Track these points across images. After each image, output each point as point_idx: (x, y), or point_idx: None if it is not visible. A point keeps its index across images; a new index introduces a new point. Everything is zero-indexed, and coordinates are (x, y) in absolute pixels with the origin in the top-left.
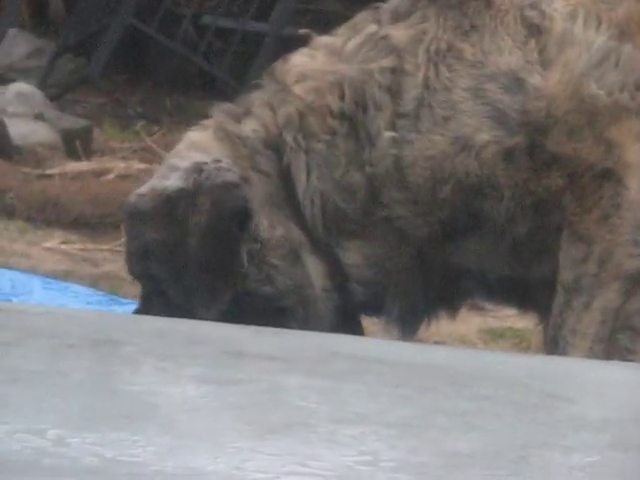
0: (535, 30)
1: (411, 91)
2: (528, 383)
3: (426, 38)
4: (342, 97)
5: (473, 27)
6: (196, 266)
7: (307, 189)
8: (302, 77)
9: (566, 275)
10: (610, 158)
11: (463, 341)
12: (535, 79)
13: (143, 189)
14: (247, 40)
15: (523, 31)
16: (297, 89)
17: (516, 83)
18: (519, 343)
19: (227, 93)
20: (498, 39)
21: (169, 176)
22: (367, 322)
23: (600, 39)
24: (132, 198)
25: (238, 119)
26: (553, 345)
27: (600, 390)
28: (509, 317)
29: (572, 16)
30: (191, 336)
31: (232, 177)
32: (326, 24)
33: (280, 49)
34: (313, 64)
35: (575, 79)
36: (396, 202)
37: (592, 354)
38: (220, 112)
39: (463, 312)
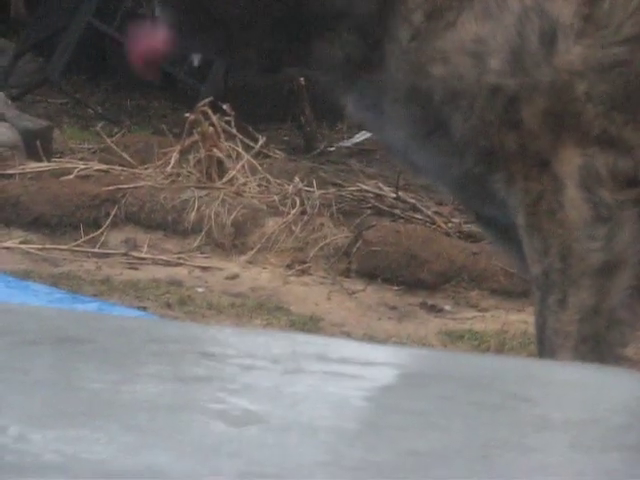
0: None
1: None
2: (489, 383)
3: None
4: None
5: None
6: None
7: None
8: None
9: (535, 269)
10: (552, 153)
11: (422, 343)
12: (567, 44)
13: None
14: None
15: None
16: None
17: (552, 33)
18: (478, 345)
19: (187, 94)
20: None
21: None
22: None
23: None
24: None
25: None
26: (540, 346)
27: (561, 391)
28: (468, 319)
29: None
30: (152, 334)
31: None
32: None
33: None
34: None
35: (581, 72)
36: None
37: (579, 354)
38: None
39: (421, 314)
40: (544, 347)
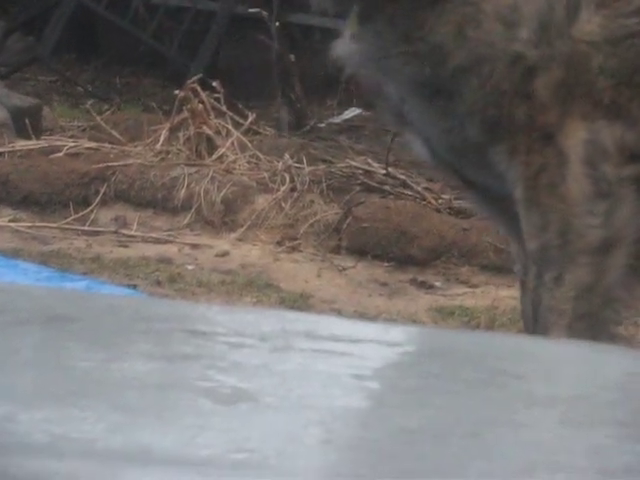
0: None
1: None
2: (479, 360)
3: None
4: None
5: None
6: None
7: None
8: None
9: (532, 245)
10: (558, 126)
11: (412, 320)
12: (589, 14)
13: None
14: (198, 19)
15: None
16: None
17: (577, 2)
18: (469, 321)
19: (177, 72)
20: None
21: None
22: None
23: None
24: None
25: None
26: (535, 323)
27: (550, 367)
28: (459, 295)
29: None
30: (141, 313)
31: None
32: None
33: (231, 28)
34: None
35: (598, 43)
36: None
37: (573, 332)
38: None
39: (412, 291)
40: (538, 324)
